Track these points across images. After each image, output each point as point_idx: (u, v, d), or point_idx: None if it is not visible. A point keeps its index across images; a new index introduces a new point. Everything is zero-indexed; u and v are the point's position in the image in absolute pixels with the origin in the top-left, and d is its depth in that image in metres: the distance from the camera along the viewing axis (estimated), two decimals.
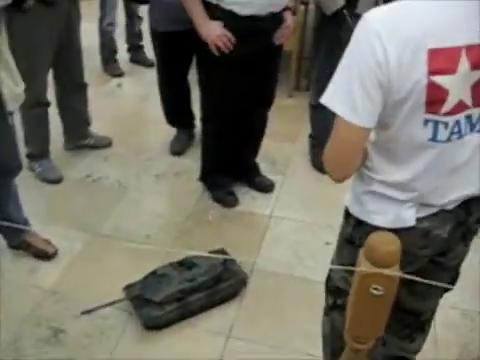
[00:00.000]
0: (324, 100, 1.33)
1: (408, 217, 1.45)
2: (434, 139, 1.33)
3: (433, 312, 1.91)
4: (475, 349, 2.38)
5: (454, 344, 2.42)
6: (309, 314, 2.44)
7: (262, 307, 2.54)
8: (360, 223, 1.53)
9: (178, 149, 3.64)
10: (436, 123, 1.31)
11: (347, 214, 1.61)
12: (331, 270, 1.79)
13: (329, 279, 1.81)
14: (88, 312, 2.45)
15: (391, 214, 1.45)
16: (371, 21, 1.27)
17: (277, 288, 2.64)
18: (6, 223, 2.26)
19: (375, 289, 1.09)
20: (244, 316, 2.49)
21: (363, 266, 1.08)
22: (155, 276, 2.46)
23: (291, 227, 3.04)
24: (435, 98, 1.27)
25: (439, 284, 1.15)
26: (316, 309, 2.18)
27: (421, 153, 1.37)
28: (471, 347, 2.40)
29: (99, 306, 2.46)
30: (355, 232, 1.56)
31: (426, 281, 1.11)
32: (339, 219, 3.13)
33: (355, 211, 1.55)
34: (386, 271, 1.06)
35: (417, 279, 1.09)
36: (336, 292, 1.75)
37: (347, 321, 1.22)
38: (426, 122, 1.31)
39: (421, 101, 1.27)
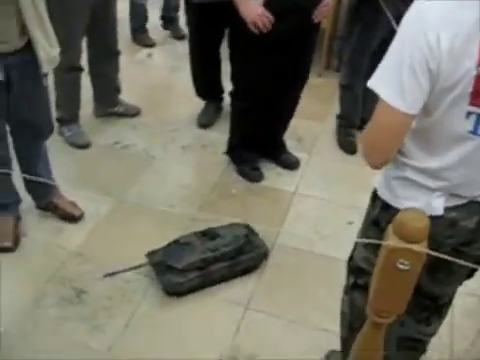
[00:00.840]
0: (371, 83, 1.31)
1: (437, 206, 1.45)
2: (475, 132, 1.32)
3: (451, 298, 1.91)
4: None
5: (470, 330, 2.42)
6: (328, 291, 2.47)
7: (282, 281, 2.57)
8: (388, 207, 1.53)
9: (205, 122, 3.66)
10: (479, 116, 1.30)
11: (375, 196, 1.61)
12: (354, 250, 1.80)
13: (351, 258, 1.82)
14: (111, 275, 2.50)
15: (420, 201, 1.45)
16: (424, 6, 1.25)
17: (298, 264, 2.67)
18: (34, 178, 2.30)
19: (402, 264, 1.10)
20: (263, 289, 2.52)
21: (391, 240, 1.09)
22: (178, 244, 2.50)
23: (314, 205, 3.05)
24: None
25: (466, 264, 1.15)
26: (335, 286, 2.20)
27: (459, 144, 1.36)
28: None
29: (122, 270, 2.51)
30: (382, 215, 1.57)
31: (453, 259, 1.11)
32: (363, 200, 3.13)
33: (384, 195, 1.55)
34: (414, 247, 1.07)
35: (444, 257, 1.10)
36: (358, 272, 1.77)
37: (370, 294, 1.24)
38: (469, 114, 1.29)
39: (467, 91, 1.26)
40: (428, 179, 1.43)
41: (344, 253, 2.69)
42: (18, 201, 2.75)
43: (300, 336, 2.32)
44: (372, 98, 3.67)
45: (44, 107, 2.54)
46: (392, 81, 1.27)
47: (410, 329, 1.96)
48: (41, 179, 2.49)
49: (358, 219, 2.90)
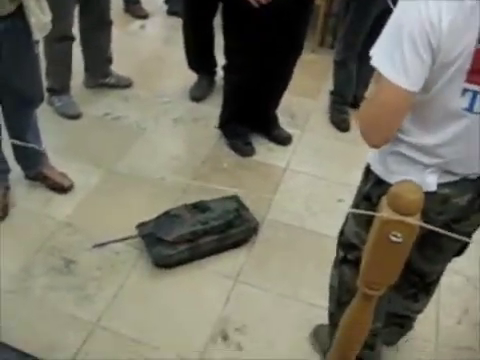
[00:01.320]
0: (373, 61, 1.28)
1: (430, 182, 1.45)
2: (469, 109, 1.31)
3: (439, 275, 1.93)
4: (475, 314, 2.41)
5: (456, 308, 2.46)
6: (317, 266, 2.48)
7: (271, 256, 2.58)
8: (380, 182, 1.53)
9: (198, 95, 3.63)
10: (475, 94, 1.29)
11: (368, 171, 1.61)
12: (344, 224, 1.81)
13: (342, 233, 1.82)
14: (100, 246, 2.50)
15: (414, 177, 1.43)
16: None
17: (287, 239, 2.67)
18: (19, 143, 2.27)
19: (394, 236, 1.10)
20: (253, 263, 2.53)
21: (385, 212, 1.09)
22: (168, 216, 2.49)
23: (305, 181, 3.05)
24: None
25: (457, 237, 1.15)
26: (325, 262, 2.21)
27: (453, 121, 1.35)
28: (471, 312, 2.43)
29: (111, 241, 2.50)
30: (374, 190, 1.56)
31: (445, 233, 1.11)
32: (354, 178, 3.14)
33: (377, 169, 1.55)
34: (408, 219, 1.07)
35: (437, 230, 1.10)
36: (348, 247, 1.77)
37: (362, 266, 1.24)
38: (465, 91, 1.29)
39: (464, 68, 1.25)
40: (423, 155, 1.43)
41: (334, 230, 2.69)
42: (7, 170, 2.73)
43: (289, 310, 2.34)
44: (365, 75, 3.68)
45: (35, 75, 2.50)
46: (394, 58, 1.25)
47: (397, 305, 1.98)
48: (30, 145, 2.46)
49: (349, 197, 2.90)
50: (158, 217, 2.51)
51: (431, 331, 2.34)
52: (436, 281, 1.95)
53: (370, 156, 1.59)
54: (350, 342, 1.45)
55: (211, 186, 1.58)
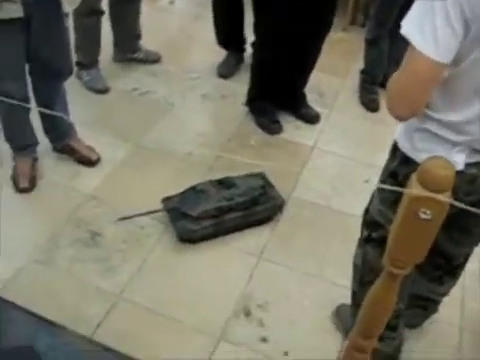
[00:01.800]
0: (403, 30, 1.24)
1: (458, 161, 1.41)
2: None
3: (466, 258, 1.89)
4: None
5: None
6: (342, 246, 2.46)
7: (295, 234, 2.56)
8: (407, 160, 1.49)
9: (225, 72, 3.60)
10: None
11: (395, 149, 1.58)
12: (370, 203, 1.78)
13: (367, 212, 1.80)
14: (125, 219, 2.51)
15: (441, 155, 1.41)
16: None
17: (312, 217, 2.66)
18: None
19: (423, 213, 1.07)
20: (277, 240, 2.52)
21: (414, 188, 1.06)
22: (194, 191, 2.49)
23: (332, 161, 3.01)
24: None
25: None
26: (349, 242, 2.19)
27: None
28: None
29: (136, 214, 2.51)
30: (400, 168, 1.53)
31: (475, 211, 1.08)
32: (382, 159, 3.10)
33: (404, 147, 1.51)
34: (439, 196, 1.04)
35: (468, 208, 1.07)
36: (372, 225, 1.75)
37: (389, 244, 1.21)
38: None
39: None
40: (450, 133, 1.39)
41: (360, 210, 2.67)
42: (35, 143, 2.75)
43: (312, 288, 2.33)
44: (397, 54, 3.60)
45: (64, 47, 2.51)
46: (425, 28, 1.21)
47: (422, 288, 1.95)
48: (58, 113, 2.47)
49: (376, 178, 2.86)
50: (183, 192, 2.51)
51: (456, 315, 2.31)
52: (463, 264, 1.91)
53: (397, 133, 1.56)
54: (373, 321, 1.43)
55: (238, 159, 1.56)
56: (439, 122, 1.40)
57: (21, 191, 2.64)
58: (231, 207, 2.45)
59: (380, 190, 1.68)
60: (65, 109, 2.73)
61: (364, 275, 1.84)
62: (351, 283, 2.00)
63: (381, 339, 1.74)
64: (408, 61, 1.28)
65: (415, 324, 2.17)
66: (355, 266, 1.93)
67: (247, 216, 2.49)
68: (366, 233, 1.80)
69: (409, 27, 1.25)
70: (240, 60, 3.69)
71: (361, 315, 1.45)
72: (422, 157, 1.33)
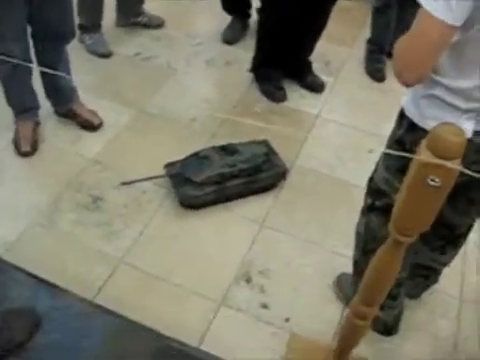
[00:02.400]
0: None
1: (466, 128, 1.38)
2: None
3: (469, 228, 1.88)
4: None
5: None
6: (344, 215, 2.45)
7: (298, 202, 2.55)
8: (414, 127, 1.47)
9: (230, 38, 3.55)
10: None
11: (402, 115, 1.55)
12: (375, 171, 1.76)
13: (371, 180, 1.78)
14: (128, 184, 2.50)
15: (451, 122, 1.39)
16: None
17: (316, 186, 2.64)
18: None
19: (432, 180, 1.06)
20: (280, 208, 2.52)
21: (423, 155, 1.05)
22: (197, 157, 2.47)
23: (336, 130, 2.99)
24: None
25: None
26: (352, 211, 2.18)
27: None
28: None
29: (139, 179, 2.50)
30: (407, 135, 1.51)
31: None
32: (386, 129, 3.08)
33: (411, 113, 1.49)
34: (448, 163, 1.03)
35: (477, 175, 1.05)
36: (377, 193, 1.73)
37: (395, 211, 1.20)
38: None
39: None
40: (458, 99, 1.37)
41: (363, 180, 2.66)
42: (37, 106, 2.72)
43: (313, 256, 2.33)
44: (405, 24, 3.55)
45: (66, 9, 2.46)
46: None
47: (424, 256, 1.95)
48: (60, 73, 2.44)
49: (380, 148, 2.87)
50: (186, 158, 2.49)
51: (456, 286, 2.31)
52: (465, 234, 1.91)
53: (404, 100, 1.53)
54: (376, 288, 1.43)
55: (243, 121, 1.52)
56: (447, 88, 1.37)
57: (23, 155, 2.62)
58: (234, 174, 2.43)
59: (385, 158, 1.66)
60: (68, 73, 2.68)
61: (367, 243, 1.84)
62: (353, 252, 2.00)
63: (381, 308, 1.75)
64: (418, 23, 1.24)
65: (415, 294, 2.18)
66: (358, 234, 1.92)
67: (250, 183, 2.48)
68: (370, 201, 1.78)
69: None
70: (245, 26, 3.63)
71: (364, 282, 1.45)
72: (430, 124, 1.31)
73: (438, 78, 1.38)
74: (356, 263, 1.99)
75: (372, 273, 1.41)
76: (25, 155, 2.63)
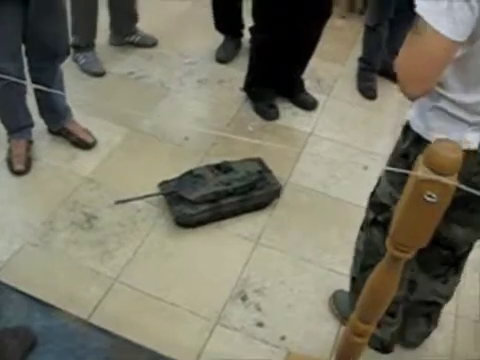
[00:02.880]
0: (418, 8, 1.20)
1: (471, 140, 1.39)
2: None
3: (470, 248, 1.86)
4: None
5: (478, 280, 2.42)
6: (338, 232, 2.46)
7: (293, 219, 2.56)
8: (419, 140, 1.47)
9: (223, 57, 3.57)
10: None
11: (406, 129, 1.54)
12: (377, 185, 1.75)
13: (373, 194, 1.76)
14: (122, 202, 2.49)
15: (455, 134, 1.38)
16: None
17: (309, 204, 2.65)
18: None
19: (429, 196, 1.07)
20: (274, 225, 2.52)
21: (420, 171, 1.06)
22: (191, 175, 2.48)
23: (330, 147, 3.00)
24: None
25: None
26: (346, 228, 2.19)
27: None
28: None
29: (134, 198, 2.49)
30: (412, 148, 1.50)
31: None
32: (379, 146, 3.12)
33: (417, 126, 1.48)
34: (445, 179, 1.04)
35: (474, 192, 1.06)
36: (379, 207, 1.72)
37: (392, 226, 1.21)
38: None
39: None
40: (464, 113, 1.37)
41: (357, 197, 2.70)
42: (31, 124, 2.72)
43: (308, 274, 2.33)
44: (396, 44, 3.59)
45: (61, 26, 2.48)
46: (441, 5, 1.16)
47: (425, 290, 1.92)
48: (54, 90, 2.45)
49: (373, 165, 2.91)
50: (181, 176, 2.49)
51: (452, 302, 2.28)
52: (466, 254, 1.87)
53: (409, 113, 1.53)
54: (374, 305, 1.43)
55: (238, 138, 1.52)
56: (453, 102, 1.37)
57: (16, 173, 2.62)
58: (228, 192, 2.43)
59: (389, 171, 1.65)
60: (62, 91, 2.70)
61: (366, 259, 1.83)
62: (351, 269, 1.99)
63: (379, 325, 1.74)
64: (422, 39, 1.23)
65: (415, 342, 2.11)
66: (357, 251, 1.91)
67: (244, 201, 2.48)
68: (372, 216, 1.77)
69: (423, 4, 1.20)
70: (238, 45, 3.66)
71: (362, 299, 1.45)
72: (435, 136, 1.31)
73: (444, 92, 1.38)
74: (354, 280, 1.98)
75: (370, 290, 1.41)
76: (18, 173, 2.62)
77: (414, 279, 1.90)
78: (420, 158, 1.09)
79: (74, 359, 1.87)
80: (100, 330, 1.99)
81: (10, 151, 2.66)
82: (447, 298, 1.97)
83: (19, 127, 2.67)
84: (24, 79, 2.49)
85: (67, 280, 2.19)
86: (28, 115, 2.69)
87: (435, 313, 2.03)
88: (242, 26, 3.59)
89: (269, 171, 2.62)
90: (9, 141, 2.68)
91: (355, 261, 1.93)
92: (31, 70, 2.56)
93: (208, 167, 2.54)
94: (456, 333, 2.20)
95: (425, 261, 1.82)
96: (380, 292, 1.39)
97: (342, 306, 2.16)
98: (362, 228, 1.85)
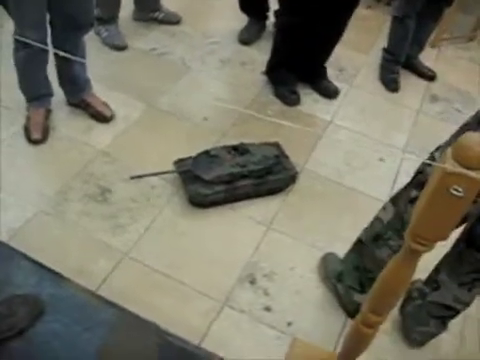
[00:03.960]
0: None
1: None
2: None
3: None
4: None
5: None
6: (351, 222, 2.44)
7: (306, 206, 2.54)
8: None
9: (246, 38, 3.54)
10: None
11: None
12: (428, 164, 1.70)
13: (421, 172, 1.72)
14: (137, 177, 2.49)
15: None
16: None
17: (324, 191, 2.63)
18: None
19: (455, 190, 1.05)
20: (287, 211, 2.50)
21: (448, 163, 1.04)
22: (208, 155, 2.46)
23: (348, 137, 2.98)
24: None
25: None
26: (359, 218, 2.17)
27: None
28: None
29: (148, 173, 2.49)
30: None
31: None
32: (397, 139, 3.07)
33: None
34: (472, 173, 1.01)
35: None
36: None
37: (413, 218, 1.19)
38: None
39: None
40: None
41: (371, 188, 2.68)
42: (51, 93, 2.71)
43: (318, 261, 2.31)
44: (422, 37, 3.55)
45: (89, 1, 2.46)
46: None
47: (447, 295, 1.90)
48: (77, 58, 2.43)
49: (389, 157, 2.88)
50: (197, 155, 2.48)
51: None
52: None
53: None
54: (386, 297, 1.41)
55: (258, 115, 1.48)
56: None
57: (33, 142, 2.61)
58: (244, 174, 2.42)
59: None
60: (83, 64, 2.69)
61: (386, 231, 1.81)
62: (361, 232, 1.99)
63: None
64: None
65: (421, 341, 2.09)
66: (378, 219, 1.89)
67: (259, 184, 2.46)
68: (415, 193, 1.71)
69: None
70: (262, 28, 3.63)
71: (374, 291, 1.44)
72: None
73: None
74: (360, 242, 1.99)
75: (383, 282, 1.40)
76: (35, 143, 2.62)
77: (438, 280, 1.89)
78: (448, 150, 1.06)
79: (81, 329, 1.87)
80: (108, 302, 1.99)
81: (28, 119, 2.66)
82: (467, 305, 1.95)
83: (39, 95, 2.66)
84: (47, 48, 2.48)
85: (78, 251, 2.19)
86: (48, 84, 2.68)
87: (450, 318, 2.01)
88: (267, 9, 3.55)
89: (286, 156, 2.60)
90: (27, 109, 2.68)
91: (371, 226, 1.92)
92: (54, 40, 2.54)
93: (225, 148, 2.52)
94: (464, 334, 2.19)
95: (456, 266, 1.80)
96: (393, 284, 1.38)
97: (330, 267, 2.19)
98: (393, 202, 1.81)
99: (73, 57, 2.27)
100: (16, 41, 2.42)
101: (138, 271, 2.17)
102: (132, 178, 2.48)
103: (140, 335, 1.90)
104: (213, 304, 2.10)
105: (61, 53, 2.26)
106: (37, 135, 2.62)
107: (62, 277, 2.04)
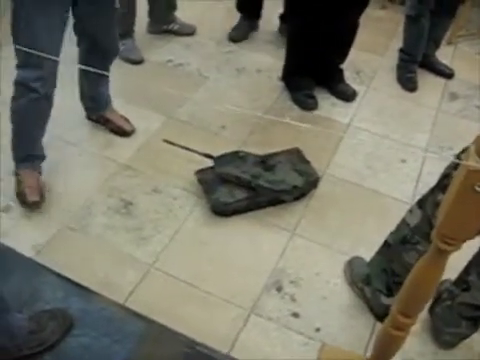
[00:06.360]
0: None
1: None
2: None
3: None
4: None
5: None
6: (375, 225, 2.43)
7: (329, 211, 2.53)
8: None
9: (236, 36, 3.62)
10: None
11: None
12: (450, 167, 1.66)
13: (446, 176, 1.68)
14: (170, 143, 2.58)
15: None
16: None
17: (346, 195, 2.62)
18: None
19: None
20: (310, 216, 2.49)
21: (471, 160, 1.03)
22: (235, 156, 2.51)
23: (368, 139, 2.96)
24: None
25: None
26: (383, 221, 2.16)
27: None
28: None
29: (180, 144, 2.60)
30: None
31: None
32: (417, 139, 3.04)
33: None
34: None
35: None
36: None
37: (439, 218, 1.18)
38: None
39: None
40: None
41: (394, 190, 2.66)
42: (43, 157, 2.48)
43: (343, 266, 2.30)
44: (437, 34, 3.52)
45: (115, 28, 2.47)
46: None
47: (478, 295, 1.87)
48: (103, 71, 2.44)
49: (411, 158, 2.85)
50: (226, 154, 2.52)
51: None
52: None
53: None
54: (415, 298, 1.40)
55: (282, 120, 1.49)
56: None
57: (31, 205, 2.36)
58: (250, 185, 2.42)
59: None
60: (107, 83, 2.71)
61: (413, 235, 1.80)
62: (388, 235, 1.98)
63: None
64: None
65: (452, 343, 2.05)
66: (404, 222, 1.87)
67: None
68: (441, 197, 1.62)
69: None
70: (254, 26, 3.71)
71: (403, 293, 1.42)
72: None
73: None
74: (387, 245, 1.97)
75: (412, 283, 1.38)
76: (34, 205, 2.36)
77: (468, 281, 1.86)
78: (471, 147, 1.05)
79: (110, 342, 1.88)
80: (136, 315, 2.00)
81: (20, 183, 2.38)
82: None
83: (31, 155, 2.41)
84: (55, 82, 2.27)
85: (104, 265, 2.20)
86: (42, 146, 2.44)
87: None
88: (260, 7, 3.63)
89: (307, 161, 2.60)
90: (16, 174, 2.42)
91: (398, 230, 1.90)
92: (81, 61, 2.54)
93: (255, 156, 2.54)
94: None
95: None
96: (423, 285, 1.37)
97: (356, 270, 2.18)
98: (420, 205, 1.79)
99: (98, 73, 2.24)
100: (18, 84, 2.19)
101: (164, 282, 2.18)
102: (165, 141, 2.61)
103: (169, 346, 1.91)
104: (240, 312, 2.10)
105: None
106: (35, 197, 2.35)
107: (89, 291, 2.06)
